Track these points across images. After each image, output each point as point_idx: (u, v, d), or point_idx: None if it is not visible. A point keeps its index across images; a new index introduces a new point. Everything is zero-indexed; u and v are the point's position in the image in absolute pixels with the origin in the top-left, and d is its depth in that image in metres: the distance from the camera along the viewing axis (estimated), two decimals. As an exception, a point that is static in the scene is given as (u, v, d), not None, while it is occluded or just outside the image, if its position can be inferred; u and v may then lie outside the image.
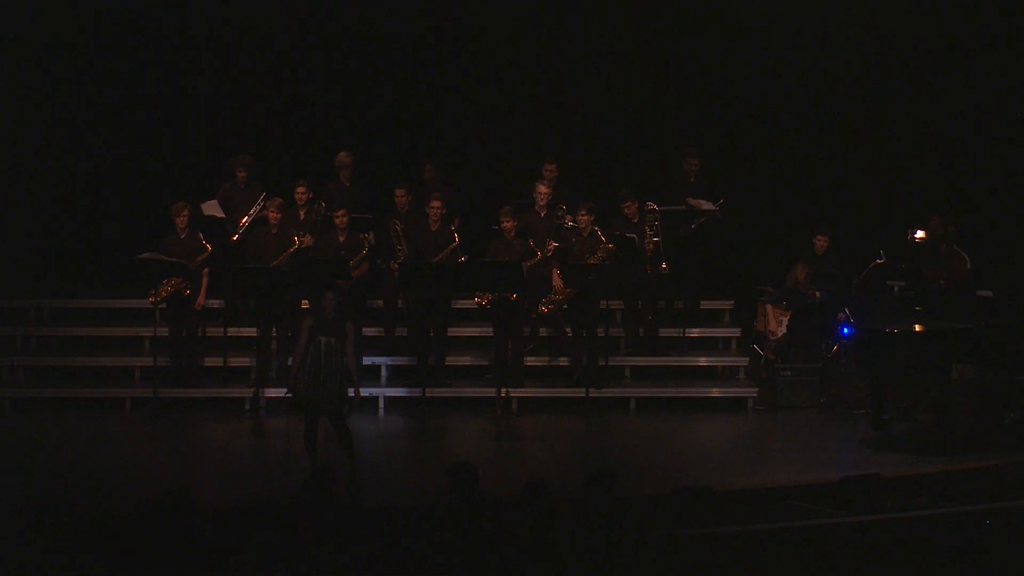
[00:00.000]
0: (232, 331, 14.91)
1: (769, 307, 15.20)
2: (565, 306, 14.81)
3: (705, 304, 15.99)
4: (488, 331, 14.92)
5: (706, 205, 15.49)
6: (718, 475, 11.84)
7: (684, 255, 15.50)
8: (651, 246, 15.02)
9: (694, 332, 15.69)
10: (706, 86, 17.08)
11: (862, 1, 16.73)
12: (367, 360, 14.68)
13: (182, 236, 14.63)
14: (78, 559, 8.02)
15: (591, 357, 14.68)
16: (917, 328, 13.63)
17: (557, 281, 14.80)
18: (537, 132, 16.96)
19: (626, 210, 15.16)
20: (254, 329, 14.78)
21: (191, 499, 8.38)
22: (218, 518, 9.56)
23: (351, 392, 12.16)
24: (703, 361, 15.47)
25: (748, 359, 15.44)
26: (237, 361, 14.85)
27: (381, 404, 14.57)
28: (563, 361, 15.08)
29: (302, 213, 15.15)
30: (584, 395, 14.45)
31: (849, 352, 14.83)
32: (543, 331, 15.25)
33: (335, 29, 17.22)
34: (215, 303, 15.13)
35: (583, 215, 14.82)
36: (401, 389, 14.76)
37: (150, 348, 14.92)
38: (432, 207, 14.86)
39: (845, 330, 14.89)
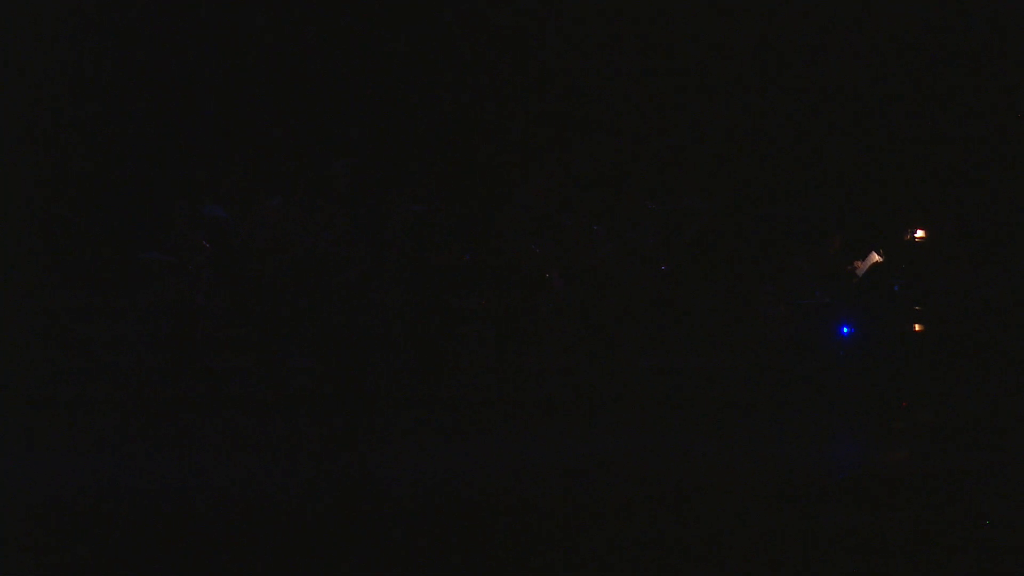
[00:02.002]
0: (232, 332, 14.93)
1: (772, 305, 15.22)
2: (566, 306, 14.84)
3: (705, 303, 15.96)
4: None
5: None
6: (717, 475, 11.84)
7: (685, 255, 15.51)
8: (651, 246, 15.05)
9: (694, 332, 15.67)
10: (708, 87, 17.08)
11: (869, 2, 16.76)
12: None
13: (183, 235, 14.64)
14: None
15: (592, 357, 14.68)
16: (917, 328, 13.64)
17: (558, 281, 14.81)
18: (539, 130, 16.95)
19: (630, 210, 15.20)
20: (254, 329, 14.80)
21: None
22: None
23: None
24: (703, 361, 15.45)
25: (748, 359, 15.42)
26: (238, 361, 14.85)
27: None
28: (564, 361, 15.08)
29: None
30: (585, 395, 14.45)
31: (849, 351, 14.83)
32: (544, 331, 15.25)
33: (335, 26, 17.22)
34: (216, 303, 15.13)
35: (587, 214, 14.88)
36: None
37: (150, 348, 14.90)
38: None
39: (845, 329, 14.90)
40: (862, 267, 14.99)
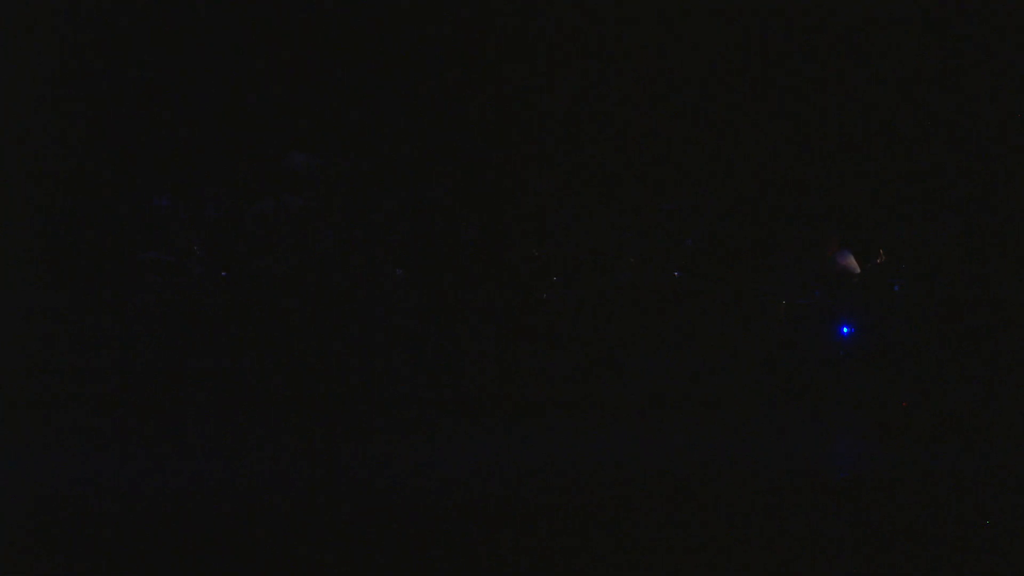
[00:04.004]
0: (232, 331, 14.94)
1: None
2: (568, 306, 14.87)
3: (705, 303, 15.98)
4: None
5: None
6: (717, 474, 11.84)
7: (685, 254, 15.54)
8: (652, 246, 15.08)
9: (694, 332, 15.70)
10: (711, 88, 17.09)
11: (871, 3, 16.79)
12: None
13: (181, 236, 14.66)
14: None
15: (594, 357, 14.72)
16: (917, 328, 13.67)
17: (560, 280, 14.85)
18: (538, 129, 16.95)
19: (638, 211, 15.24)
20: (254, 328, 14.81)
21: None
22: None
23: None
24: (705, 360, 15.48)
25: (749, 359, 15.44)
26: (237, 361, 14.86)
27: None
28: (569, 361, 15.11)
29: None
30: (590, 395, 14.48)
31: (848, 351, 14.85)
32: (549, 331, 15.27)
33: (331, 26, 17.21)
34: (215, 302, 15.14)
35: (588, 214, 14.91)
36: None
37: (149, 347, 14.92)
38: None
39: (845, 329, 14.92)
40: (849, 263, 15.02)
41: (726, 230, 15.99)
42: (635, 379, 15.30)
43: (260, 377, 14.59)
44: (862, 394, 14.51)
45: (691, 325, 15.69)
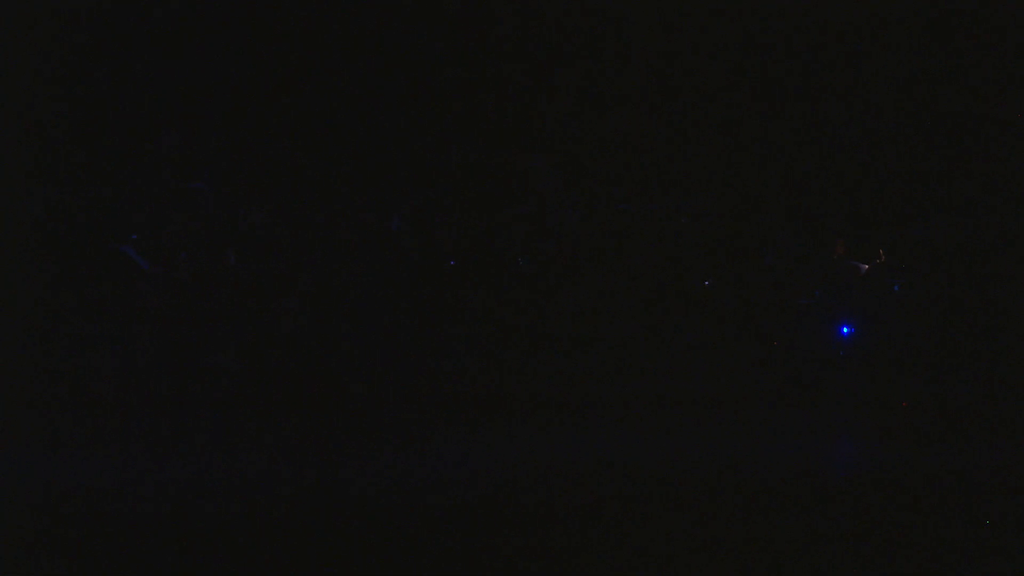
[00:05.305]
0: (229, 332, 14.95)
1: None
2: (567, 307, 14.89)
3: (707, 303, 15.99)
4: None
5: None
6: (719, 474, 11.84)
7: (688, 255, 15.57)
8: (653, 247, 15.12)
9: (697, 331, 15.71)
10: (712, 89, 17.11)
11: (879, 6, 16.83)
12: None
13: (172, 244, 14.69)
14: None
15: (599, 356, 14.76)
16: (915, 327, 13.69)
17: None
18: (539, 129, 16.96)
19: (639, 211, 15.29)
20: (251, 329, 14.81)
21: None
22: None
23: None
24: (706, 360, 15.48)
25: (750, 359, 15.44)
26: (233, 362, 14.85)
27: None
28: (570, 361, 15.11)
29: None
30: (590, 395, 14.50)
31: (848, 351, 14.85)
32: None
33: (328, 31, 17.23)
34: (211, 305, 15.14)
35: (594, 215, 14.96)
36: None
37: (147, 344, 14.93)
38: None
39: (845, 329, 14.92)
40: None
41: (727, 230, 16.00)
42: (636, 379, 15.29)
43: (258, 378, 14.59)
44: (862, 394, 14.51)
45: (692, 326, 15.70)
